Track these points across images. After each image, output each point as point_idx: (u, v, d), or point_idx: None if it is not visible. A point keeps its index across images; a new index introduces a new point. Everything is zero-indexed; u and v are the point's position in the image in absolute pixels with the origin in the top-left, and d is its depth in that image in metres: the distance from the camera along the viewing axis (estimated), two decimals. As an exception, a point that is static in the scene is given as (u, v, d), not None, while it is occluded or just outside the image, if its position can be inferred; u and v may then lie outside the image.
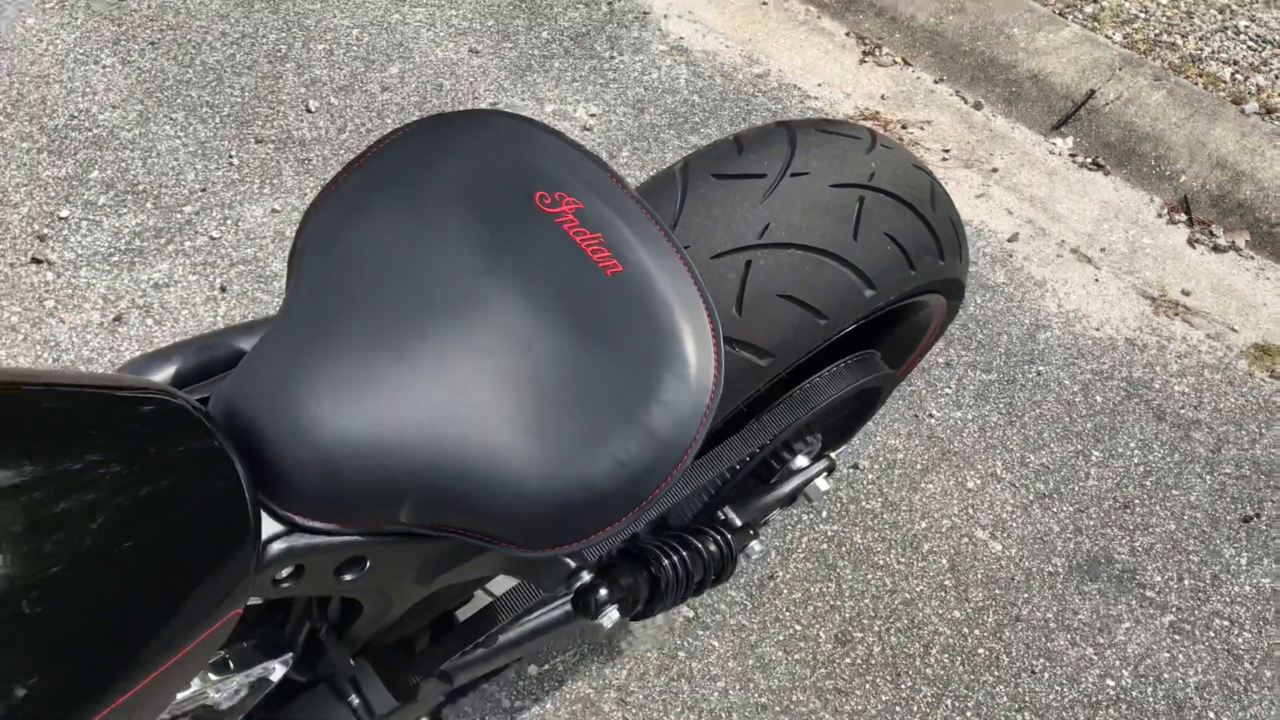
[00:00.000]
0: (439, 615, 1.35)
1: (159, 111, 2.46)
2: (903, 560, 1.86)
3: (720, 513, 1.44)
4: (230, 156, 2.39)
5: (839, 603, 1.81)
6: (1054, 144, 2.57)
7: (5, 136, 2.39)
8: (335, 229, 1.06)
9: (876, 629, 1.78)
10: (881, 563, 1.85)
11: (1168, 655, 1.77)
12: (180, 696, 0.98)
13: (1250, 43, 2.73)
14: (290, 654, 1.06)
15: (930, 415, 2.05)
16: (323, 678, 1.20)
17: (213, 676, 1.00)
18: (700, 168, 1.37)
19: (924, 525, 1.90)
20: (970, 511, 1.93)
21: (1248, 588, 1.86)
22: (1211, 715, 1.71)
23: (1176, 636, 1.80)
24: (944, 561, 1.86)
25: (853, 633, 1.77)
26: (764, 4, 2.88)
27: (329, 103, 2.51)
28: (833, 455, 1.61)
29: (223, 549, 0.83)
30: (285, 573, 0.93)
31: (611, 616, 1.20)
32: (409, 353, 0.98)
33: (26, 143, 2.38)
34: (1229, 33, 2.75)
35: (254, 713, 1.12)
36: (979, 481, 1.97)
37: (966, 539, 1.89)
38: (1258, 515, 1.94)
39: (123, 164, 2.35)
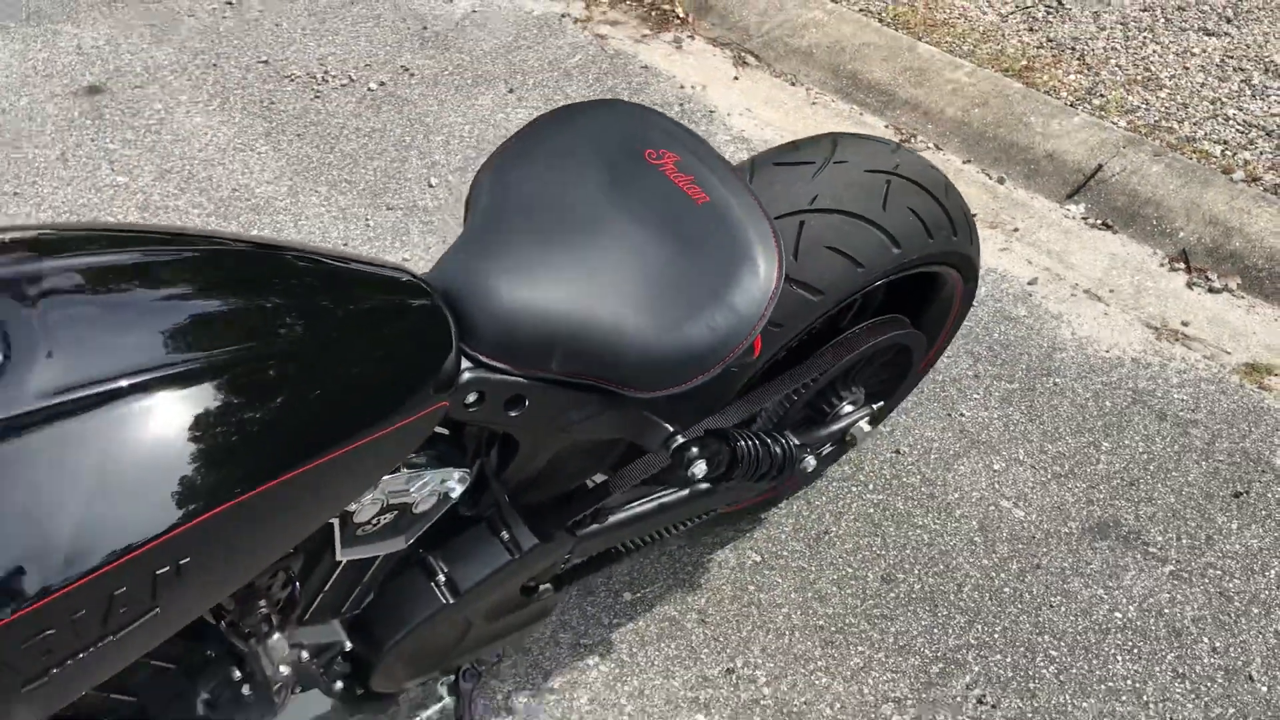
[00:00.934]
0: (571, 489, 1.71)
1: (306, 186, 2.95)
2: (938, 522, 2.19)
3: (783, 435, 1.80)
4: (366, 220, 2.86)
5: (884, 552, 2.13)
6: (1068, 209, 2.96)
7: (180, 205, 2.88)
8: (501, 175, 1.50)
9: (916, 572, 2.10)
10: (920, 523, 2.18)
11: (1167, 595, 2.07)
12: (393, 488, 1.35)
13: (1239, 127, 3.14)
14: (467, 472, 1.43)
15: (961, 414, 2.40)
16: (480, 516, 1.57)
17: (412, 471, 1.37)
18: (764, 159, 1.79)
19: (956, 496, 2.24)
20: (996, 486, 2.26)
21: (1238, 546, 2.16)
22: (1205, 641, 2.00)
23: (1175, 581, 2.09)
24: (974, 523, 2.19)
25: (896, 574, 2.09)
26: (813, 104, 3.35)
27: (446, 179, 2.99)
28: (874, 407, 1.97)
29: (434, 364, 1.24)
30: (471, 398, 1.32)
31: (700, 469, 1.56)
32: (558, 250, 1.39)
33: (197, 209, 2.87)
34: (1219, 119, 3.16)
35: (426, 537, 1.49)
36: (1003, 464, 2.30)
37: (993, 507, 2.22)
38: (1246, 492, 2.25)
39: (278, 225, 2.83)
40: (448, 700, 1.74)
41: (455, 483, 1.44)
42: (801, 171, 1.75)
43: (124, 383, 1.00)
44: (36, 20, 3.56)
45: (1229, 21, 3.59)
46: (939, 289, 1.95)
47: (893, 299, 1.97)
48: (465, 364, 1.30)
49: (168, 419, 1.02)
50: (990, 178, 3.07)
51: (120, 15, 3.63)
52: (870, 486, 2.25)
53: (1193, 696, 1.93)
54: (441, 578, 1.54)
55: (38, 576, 0.93)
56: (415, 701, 1.77)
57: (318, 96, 3.29)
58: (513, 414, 1.39)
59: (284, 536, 1.16)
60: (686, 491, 1.77)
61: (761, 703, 1.90)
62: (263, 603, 1.35)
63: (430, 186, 2.98)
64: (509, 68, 3.48)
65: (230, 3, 3.77)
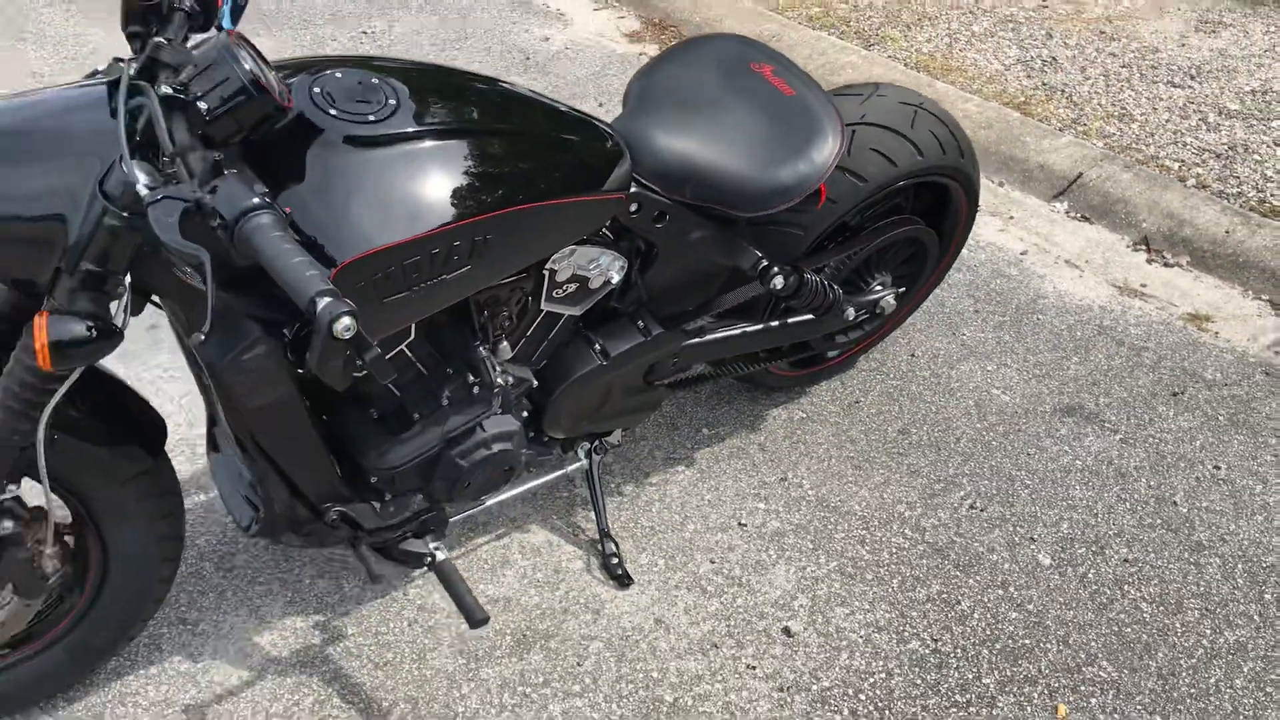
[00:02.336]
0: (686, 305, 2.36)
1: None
2: (942, 400, 2.84)
3: (834, 285, 2.47)
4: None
5: (900, 415, 2.79)
6: (1054, 206, 3.67)
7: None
8: (649, 77, 2.21)
9: (925, 429, 2.75)
10: (928, 400, 2.84)
11: (1116, 452, 2.71)
12: (579, 261, 2.02)
13: (1194, 151, 3.85)
14: (625, 265, 2.10)
15: (963, 334, 3.06)
16: (624, 311, 2.23)
17: (594, 249, 2.04)
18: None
19: (957, 385, 2.89)
20: (988, 380, 2.91)
21: (1173, 425, 2.80)
22: (1143, 480, 2.63)
23: (1123, 444, 2.73)
24: (970, 402, 2.84)
25: (909, 429, 2.74)
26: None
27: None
28: (898, 290, 2.64)
29: (618, 170, 1.92)
30: (634, 207, 2.01)
31: (778, 284, 2.23)
32: (692, 117, 2.09)
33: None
34: (1178, 144, 3.88)
35: (586, 318, 2.15)
36: (995, 367, 2.96)
37: (985, 393, 2.87)
38: (1183, 393, 2.90)
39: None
40: (584, 462, 2.39)
41: (616, 271, 2.11)
42: (853, 100, 2.46)
43: (457, 127, 1.70)
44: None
45: (1192, 78, 4.34)
46: (949, 202, 2.64)
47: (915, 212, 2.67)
48: (633, 184, 2.00)
49: (481, 154, 1.71)
50: (993, 182, 3.78)
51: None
52: (891, 375, 2.91)
53: (1130, 512, 2.56)
54: (597, 346, 2.20)
55: (420, 222, 1.61)
56: (563, 461, 2.41)
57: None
58: (658, 226, 2.08)
59: (532, 248, 1.84)
60: (758, 326, 2.44)
61: (806, 499, 2.53)
62: (499, 323, 2.02)
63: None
64: (598, 89, 4.23)
65: (366, 33, 4.56)
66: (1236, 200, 3.59)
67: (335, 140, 1.61)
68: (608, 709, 2.07)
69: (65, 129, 1.48)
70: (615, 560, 2.34)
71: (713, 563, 2.37)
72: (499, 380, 2.04)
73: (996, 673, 2.18)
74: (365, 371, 1.34)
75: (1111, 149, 3.86)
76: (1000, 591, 2.34)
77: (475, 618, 2.01)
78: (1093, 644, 2.24)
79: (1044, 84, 4.27)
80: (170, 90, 1.46)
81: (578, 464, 2.41)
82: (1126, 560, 2.43)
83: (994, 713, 2.11)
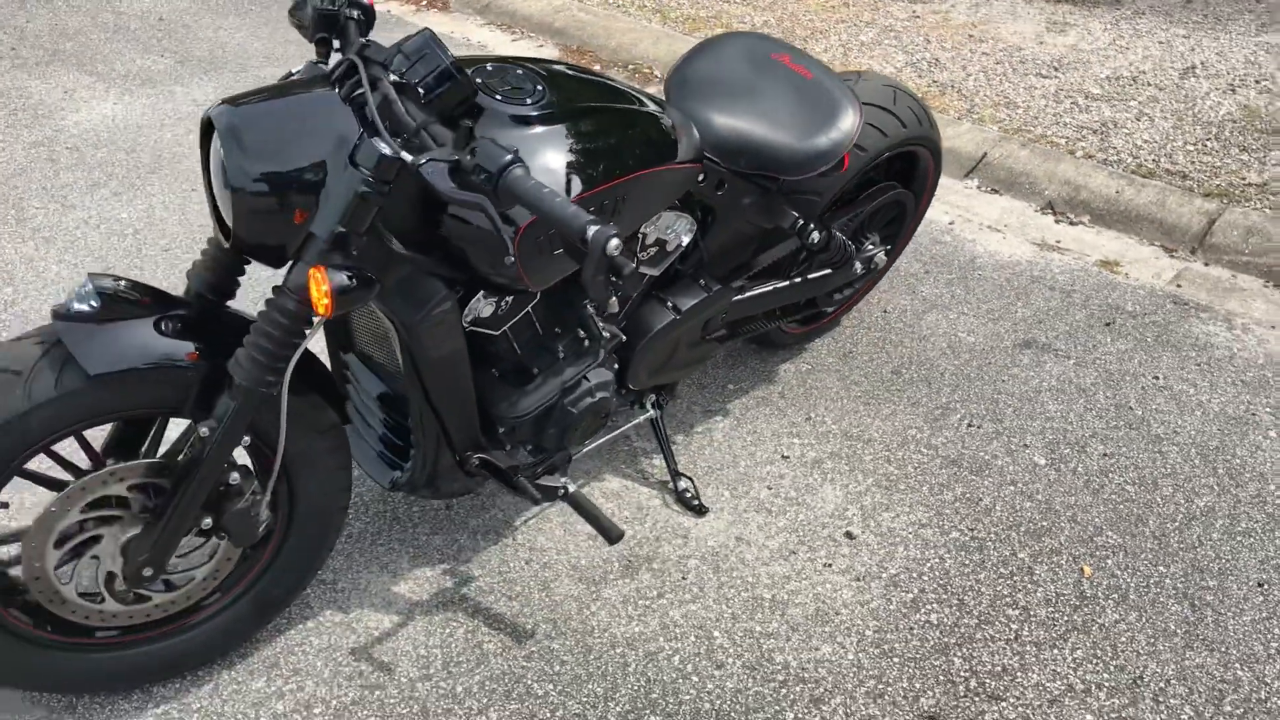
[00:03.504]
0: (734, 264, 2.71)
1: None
2: (920, 345, 3.27)
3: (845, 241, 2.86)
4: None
5: (890, 359, 3.20)
6: (967, 183, 4.17)
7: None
8: (685, 69, 2.56)
9: (913, 368, 3.17)
10: (909, 345, 3.26)
11: (1074, 374, 3.18)
12: (662, 225, 2.35)
13: (1074, 129, 4.43)
14: (693, 227, 2.44)
15: (921, 291, 3.51)
16: (686, 272, 2.56)
17: (671, 214, 2.37)
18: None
19: (928, 331, 3.33)
20: (953, 326, 3.36)
21: (1113, 349, 3.29)
22: (1100, 393, 3.10)
23: (1078, 367, 3.21)
24: (943, 344, 3.27)
25: (900, 369, 3.15)
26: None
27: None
28: (886, 248, 3.05)
29: (692, 143, 2.26)
30: (701, 177, 2.35)
31: (814, 239, 2.61)
32: (735, 99, 2.45)
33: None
34: (1060, 124, 4.46)
35: (657, 283, 2.48)
36: (955, 315, 3.41)
37: (953, 336, 3.31)
38: (1113, 322, 3.41)
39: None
40: (652, 412, 2.70)
41: (686, 234, 2.45)
42: (847, 82, 2.87)
43: (586, 107, 2.02)
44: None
45: (1056, 69, 4.95)
46: (917, 167, 3.07)
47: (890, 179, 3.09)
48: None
49: (608, 129, 2.04)
50: (909, 167, 4.27)
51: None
52: (872, 329, 3.33)
53: (1097, 418, 3.02)
54: (670, 303, 2.53)
55: (577, 185, 1.93)
56: (630, 414, 2.73)
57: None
58: (719, 193, 2.43)
59: (648, 209, 2.18)
60: (787, 282, 2.80)
61: (831, 433, 2.91)
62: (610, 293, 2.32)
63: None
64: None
65: (302, 71, 4.76)
66: (1118, 166, 4.16)
67: (504, 119, 1.91)
68: (719, 609, 2.39)
69: (308, 119, 1.74)
70: (689, 494, 2.66)
71: (769, 489, 2.72)
72: (606, 334, 2.35)
73: (1027, 549, 2.58)
74: (619, 285, 1.65)
75: (1005, 132, 4.40)
76: (1011, 488, 2.76)
77: (613, 535, 2.30)
78: (1096, 519, 2.67)
79: (935, 81, 4.82)
80: (397, 78, 1.74)
81: (647, 414, 2.72)
82: (1105, 455, 2.88)
83: (1034, 579, 2.51)
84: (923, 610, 2.42)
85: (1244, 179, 4.06)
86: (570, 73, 2.19)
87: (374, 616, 2.33)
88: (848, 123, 2.54)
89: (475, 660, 2.25)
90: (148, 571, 1.92)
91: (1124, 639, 2.37)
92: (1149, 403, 3.08)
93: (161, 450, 1.99)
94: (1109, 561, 2.56)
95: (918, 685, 2.25)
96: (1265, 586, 2.51)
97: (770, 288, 2.79)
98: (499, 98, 1.93)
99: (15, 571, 1.98)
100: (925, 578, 2.50)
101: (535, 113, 1.95)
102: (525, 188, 1.62)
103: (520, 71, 2.03)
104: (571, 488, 2.33)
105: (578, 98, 2.09)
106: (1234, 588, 2.51)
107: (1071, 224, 3.95)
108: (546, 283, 2.05)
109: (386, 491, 2.57)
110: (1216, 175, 4.09)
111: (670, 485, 2.69)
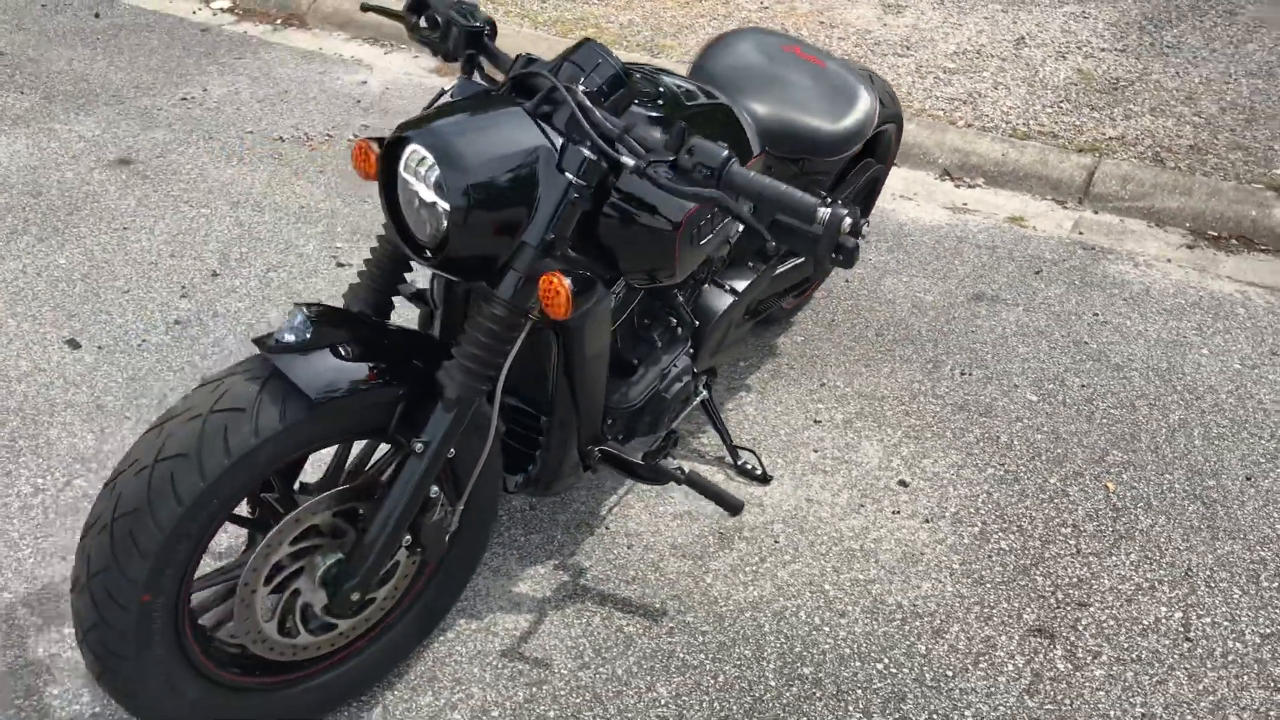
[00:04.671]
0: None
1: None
2: (889, 308, 3.55)
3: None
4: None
5: (870, 323, 3.46)
6: None
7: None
8: (708, 70, 2.71)
9: (891, 329, 3.44)
10: (879, 309, 3.54)
11: (1027, 318, 3.52)
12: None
13: (946, 101, 4.83)
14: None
15: (869, 260, 3.79)
16: (733, 258, 2.70)
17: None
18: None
19: (890, 295, 3.61)
20: (910, 287, 3.65)
21: (1051, 294, 3.65)
22: (1056, 334, 3.45)
23: (1027, 312, 3.55)
24: (908, 305, 3.55)
25: (883, 330, 3.41)
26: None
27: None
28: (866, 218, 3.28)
29: (755, 138, 2.40)
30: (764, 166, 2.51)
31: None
32: (766, 90, 2.62)
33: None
34: (933, 98, 4.84)
35: (713, 271, 2.63)
36: (907, 278, 3.70)
37: (914, 296, 3.61)
38: (1042, 271, 3.78)
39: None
40: (704, 394, 2.83)
41: (739, 226, 2.60)
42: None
43: (699, 108, 2.14)
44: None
45: (908, 49, 5.35)
46: (882, 140, 3.32)
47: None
48: None
49: (720, 124, 2.17)
50: (809, 147, 4.55)
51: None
52: (842, 299, 3.58)
53: (1063, 354, 3.37)
54: (727, 286, 2.66)
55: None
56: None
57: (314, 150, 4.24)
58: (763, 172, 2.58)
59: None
60: (801, 259, 2.98)
61: (847, 395, 3.13)
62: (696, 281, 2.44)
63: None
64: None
65: (186, 99, 4.60)
66: (997, 132, 4.57)
67: (644, 120, 2.02)
68: (820, 565, 2.56)
69: (508, 133, 1.80)
70: (750, 465, 2.81)
71: (816, 452, 2.90)
72: (694, 322, 2.47)
73: (1054, 475, 2.88)
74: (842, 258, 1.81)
75: (888, 108, 4.75)
76: (1019, 423, 3.06)
77: (735, 506, 2.44)
78: (1099, 442, 3.00)
79: None
80: (581, 88, 1.82)
81: (701, 395, 2.85)
82: (1083, 386, 3.22)
83: (1070, 500, 2.80)
84: (992, 540, 2.67)
85: (1104, 134, 4.55)
86: (655, 72, 2.31)
87: (508, 618, 2.38)
88: (869, 104, 2.75)
89: (622, 644, 2.34)
90: (355, 596, 1.92)
91: (1162, 539, 2.69)
92: (1099, 337, 3.46)
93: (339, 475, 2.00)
94: (1124, 476, 2.89)
95: (1015, 604, 2.49)
96: (1253, 479, 2.89)
97: (792, 264, 2.97)
98: (637, 102, 2.03)
99: (213, 620, 1.94)
100: (982, 512, 2.75)
101: (660, 115, 2.06)
102: (747, 179, 1.74)
103: (656, 76, 2.14)
104: (686, 468, 2.44)
105: (685, 98, 2.21)
106: (1229, 484, 2.88)
107: (970, 187, 4.32)
108: (686, 274, 2.16)
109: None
110: (1081, 132, 4.56)
111: (728, 460, 2.83)
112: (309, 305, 1.83)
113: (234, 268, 3.53)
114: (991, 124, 4.63)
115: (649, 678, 2.27)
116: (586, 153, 1.81)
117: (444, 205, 1.75)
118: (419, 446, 1.86)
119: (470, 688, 2.23)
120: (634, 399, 2.39)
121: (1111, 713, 2.26)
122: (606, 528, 2.62)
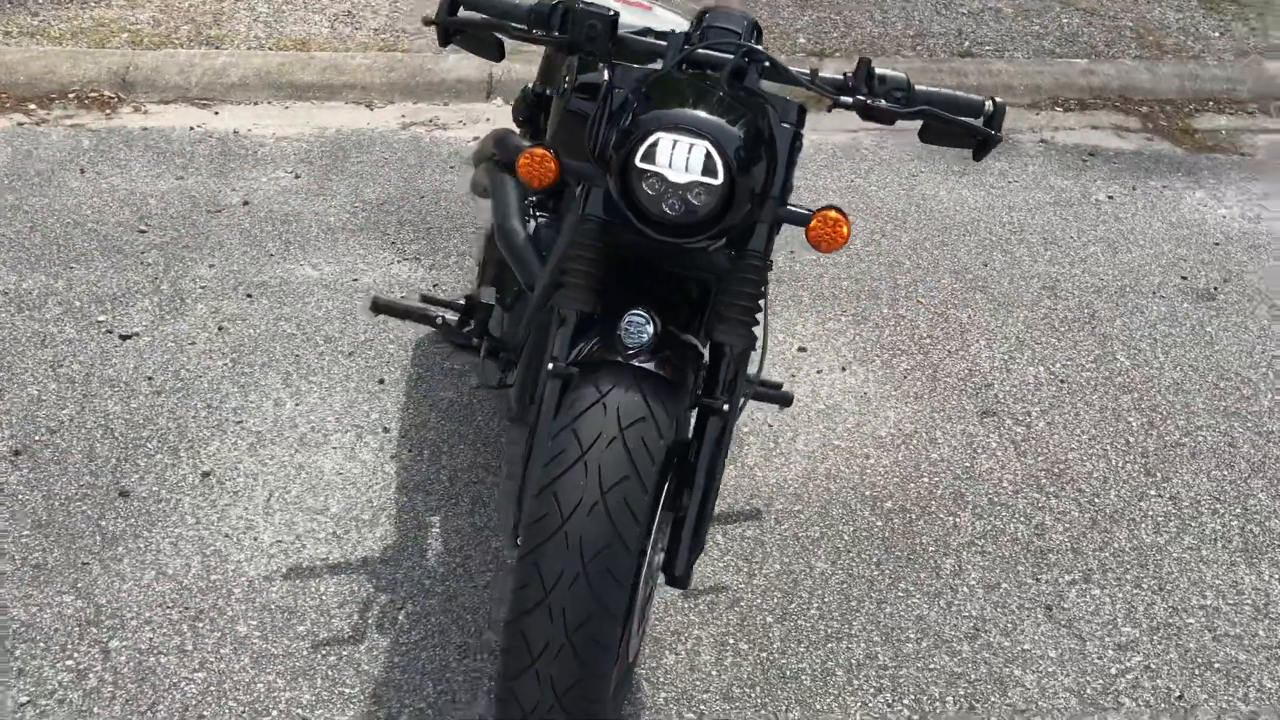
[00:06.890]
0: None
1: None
2: (855, 256, 4.02)
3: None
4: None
5: (855, 274, 3.91)
6: (490, 104, 4.88)
7: None
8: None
9: (874, 273, 3.92)
10: (847, 260, 3.98)
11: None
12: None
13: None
14: None
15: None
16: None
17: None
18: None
19: (859, 245, 4.08)
20: (876, 250, 4.10)
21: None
22: (996, 282, 4.60)
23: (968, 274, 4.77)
24: (874, 251, 3.61)
25: (838, 279, 3.69)
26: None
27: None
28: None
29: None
30: None
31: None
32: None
33: None
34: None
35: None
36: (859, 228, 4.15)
37: (876, 238, 4.15)
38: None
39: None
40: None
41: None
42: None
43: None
44: None
45: None
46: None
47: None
48: None
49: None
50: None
51: None
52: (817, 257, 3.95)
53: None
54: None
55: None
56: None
57: None
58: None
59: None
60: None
61: (844, 329, 3.60)
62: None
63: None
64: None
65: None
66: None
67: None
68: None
69: (731, 105, 1.92)
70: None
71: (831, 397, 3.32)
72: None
73: (1101, 395, 3.44)
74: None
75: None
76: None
77: (787, 399, 2.87)
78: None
79: (373, 30, 5.29)
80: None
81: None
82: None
83: (1130, 424, 3.34)
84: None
85: None
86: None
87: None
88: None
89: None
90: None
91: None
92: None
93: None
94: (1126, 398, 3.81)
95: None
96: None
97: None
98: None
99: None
100: (1033, 411, 3.31)
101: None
102: (927, 92, 2.04)
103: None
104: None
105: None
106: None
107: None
108: None
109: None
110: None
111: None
112: (639, 313, 1.92)
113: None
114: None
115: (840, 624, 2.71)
116: (794, 101, 1.99)
117: (713, 182, 1.83)
118: (725, 407, 1.98)
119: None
120: None
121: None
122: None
